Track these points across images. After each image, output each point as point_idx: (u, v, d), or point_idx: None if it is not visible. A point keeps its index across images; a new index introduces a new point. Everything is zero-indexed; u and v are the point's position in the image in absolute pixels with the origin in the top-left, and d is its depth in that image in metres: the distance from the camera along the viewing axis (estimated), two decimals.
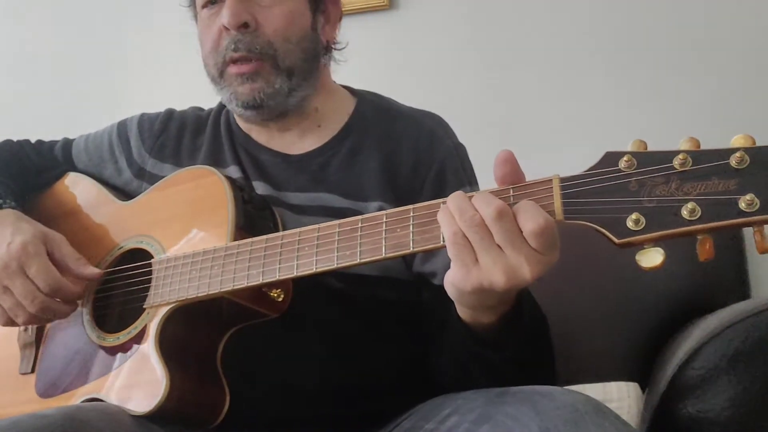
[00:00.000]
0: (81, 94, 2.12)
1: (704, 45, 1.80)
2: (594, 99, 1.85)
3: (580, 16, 1.87)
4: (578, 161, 0.80)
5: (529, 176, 0.80)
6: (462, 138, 1.20)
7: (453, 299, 0.84)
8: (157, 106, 1.32)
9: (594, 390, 1.45)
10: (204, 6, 1.13)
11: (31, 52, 2.17)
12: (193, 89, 1.24)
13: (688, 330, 1.33)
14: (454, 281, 0.79)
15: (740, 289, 1.57)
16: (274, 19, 1.09)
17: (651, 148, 0.74)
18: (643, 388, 1.48)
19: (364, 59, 1.85)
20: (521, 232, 0.75)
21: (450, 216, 0.78)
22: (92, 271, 1.06)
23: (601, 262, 1.56)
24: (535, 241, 0.74)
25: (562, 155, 1.72)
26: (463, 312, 0.87)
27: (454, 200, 0.79)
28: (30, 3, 2.16)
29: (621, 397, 1.45)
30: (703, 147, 0.72)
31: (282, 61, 1.10)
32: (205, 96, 1.23)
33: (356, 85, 1.25)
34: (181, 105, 1.31)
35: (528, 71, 1.88)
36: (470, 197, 0.79)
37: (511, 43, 1.89)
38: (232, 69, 1.10)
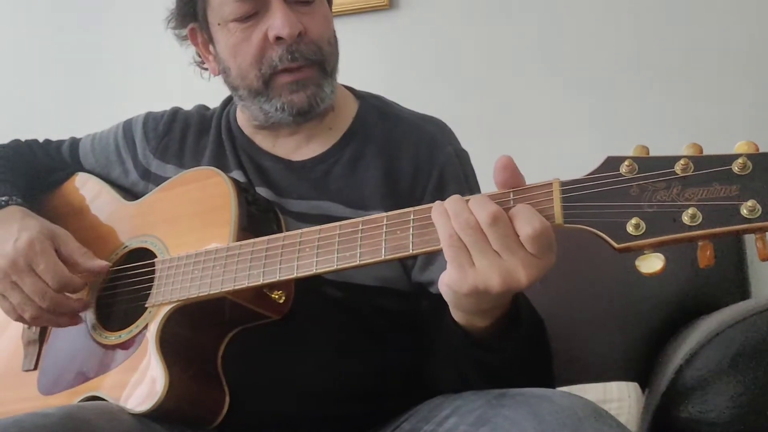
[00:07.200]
0: (83, 90, 2.12)
1: (708, 48, 1.79)
2: (595, 101, 1.84)
3: (582, 17, 1.85)
4: (578, 164, 0.80)
5: (529, 178, 0.80)
6: (461, 138, 1.20)
7: (448, 301, 0.84)
8: (159, 102, 1.31)
9: (594, 390, 1.46)
10: (235, 20, 1.07)
11: (32, 49, 2.17)
12: (196, 86, 1.23)
13: (688, 330, 1.34)
14: (450, 283, 0.79)
15: (740, 289, 1.56)
16: (318, 24, 1.09)
17: (653, 153, 0.74)
18: (643, 389, 1.48)
19: (364, 59, 1.86)
20: (517, 236, 0.75)
21: (445, 216, 0.78)
22: (99, 263, 1.07)
23: (602, 263, 1.56)
24: (531, 245, 0.75)
25: (561, 157, 1.71)
26: (457, 315, 0.87)
27: (451, 202, 0.79)
28: (31, 1, 2.16)
29: (621, 397, 1.45)
30: (705, 153, 0.71)
31: (328, 65, 1.11)
32: (208, 93, 1.23)
33: (356, 85, 1.25)
34: (183, 101, 1.31)
35: (528, 72, 1.88)
36: (467, 200, 0.79)
37: (511, 44, 1.89)
38: (284, 78, 1.08)
